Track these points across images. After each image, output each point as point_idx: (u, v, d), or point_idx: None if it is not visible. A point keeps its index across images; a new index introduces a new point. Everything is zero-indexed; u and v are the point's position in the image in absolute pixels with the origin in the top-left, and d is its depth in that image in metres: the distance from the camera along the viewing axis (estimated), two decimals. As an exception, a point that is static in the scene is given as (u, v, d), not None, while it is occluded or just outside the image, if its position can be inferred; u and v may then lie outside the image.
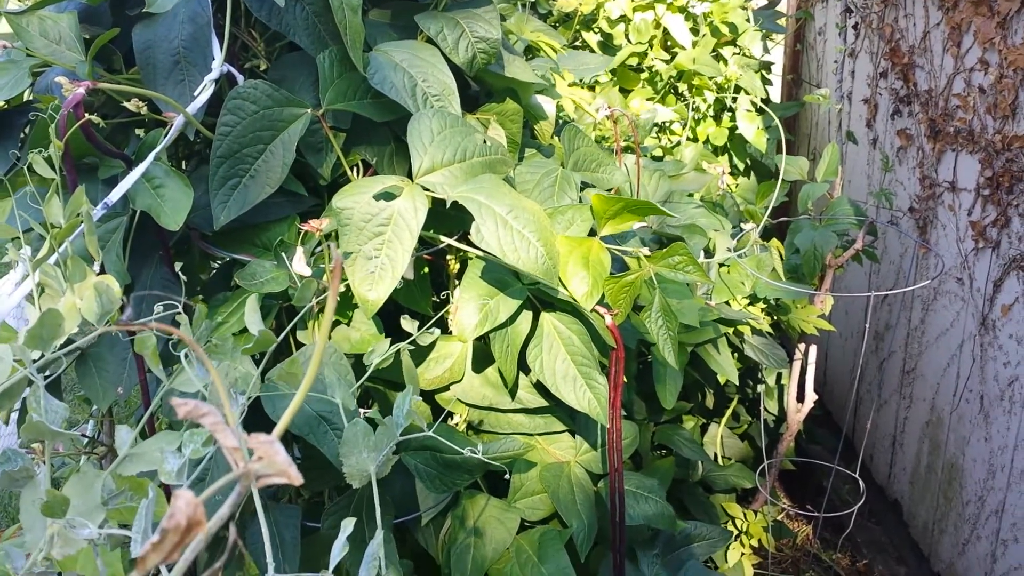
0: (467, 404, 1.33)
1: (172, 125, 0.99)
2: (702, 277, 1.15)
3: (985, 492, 1.86)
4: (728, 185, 2.22)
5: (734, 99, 2.74)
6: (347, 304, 1.14)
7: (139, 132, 1.16)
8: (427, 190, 1.04)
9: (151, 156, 0.94)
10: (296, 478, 0.32)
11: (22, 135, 1.15)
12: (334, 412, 1.01)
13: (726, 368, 1.74)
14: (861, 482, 2.05)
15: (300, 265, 0.96)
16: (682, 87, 2.72)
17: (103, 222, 1.00)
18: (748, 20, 2.68)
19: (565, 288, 1.17)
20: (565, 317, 1.20)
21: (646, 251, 1.22)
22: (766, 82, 2.79)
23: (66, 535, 0.53)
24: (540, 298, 1.22)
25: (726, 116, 2.78)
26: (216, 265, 1.25)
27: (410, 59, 1.11)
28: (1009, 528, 1.75)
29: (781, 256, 1.83)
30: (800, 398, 2.21)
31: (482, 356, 1.29)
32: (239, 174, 1.04)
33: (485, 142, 1.12)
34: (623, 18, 2.63)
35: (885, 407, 2.37)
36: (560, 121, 1.46)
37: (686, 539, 1.49)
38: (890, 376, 2.34)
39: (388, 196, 1.04)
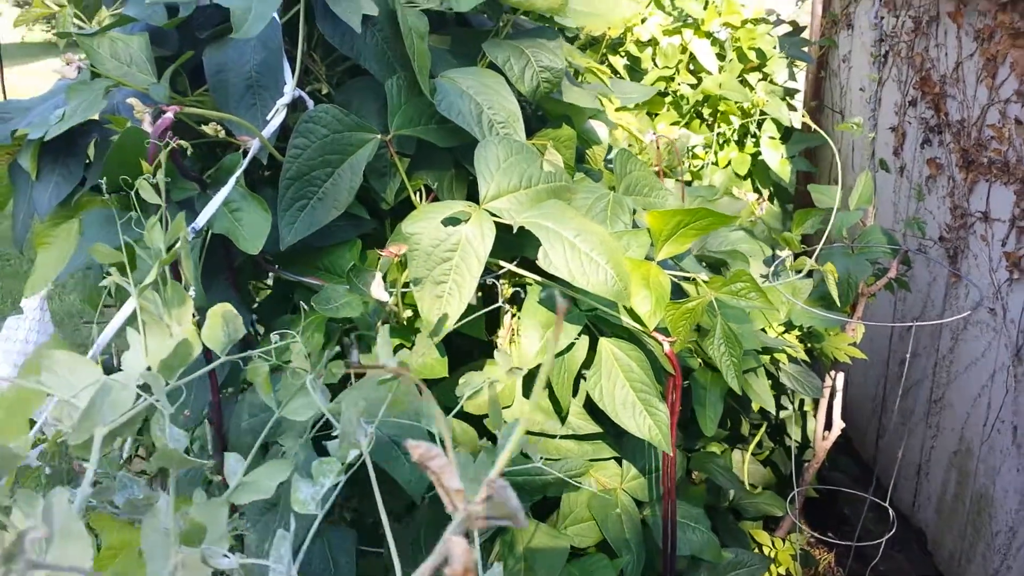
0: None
1: (249, 148, 0.99)
2: (766, 303, 1.15)
3: (1017, 523, 1.85)
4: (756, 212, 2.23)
5: (759, 125, 2.75)
6: (409, 329, 1.14)
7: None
8: (494, 216, 1.05)
9: (232, 180, 0.94)
10: (523, 522, 0.32)
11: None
12: (404, 437, 1.01)
13: (763, 396, 1.74)
14: (891, 511, 2.04)
15: (378, 290, 0.96)
16: (707, 112, 2.74)
17: (174, 244, 1.00)
18: (775, 47, 2.70)
19: (626, 311, 1.17)
20: (623, 344, 1.20)
21: (705, 276, 1.22)
22: (791, 108, 2.80)
23: (193, 563, 0.53)
24: (597, 325, 1.22)
25: (749, 142, 2.79)
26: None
27: (476, 86, 1.12)
28: (1005, 516, 1.74)
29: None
30: (828, 426, 2.21)
31: (530, 381, 1.29)
32: (307, 196, 1.05)
33: (549, 169, 1.12)
34: (651, 42, 2.65)
35: (910, 436, 2.37)
36: (608, 146, 1.46)
37: (729, 567, 1.48)
38: (916, 405, 2.34)
39: (454, 221, 1.04)
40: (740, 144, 2.81)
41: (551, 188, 1.10)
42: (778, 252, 1.88)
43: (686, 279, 1.26)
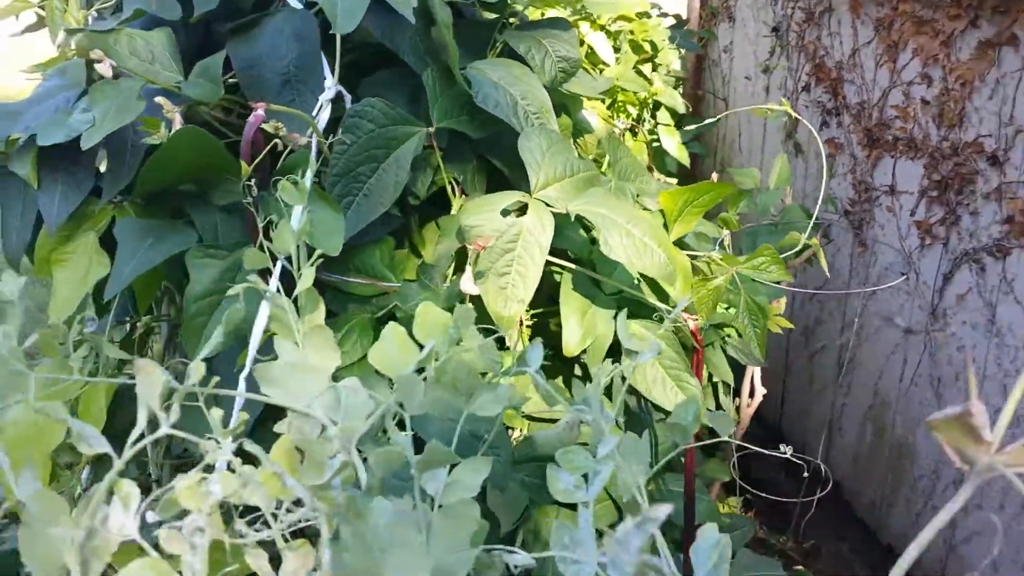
0: (530, 418, 1.33)
1: (311, 146, 0.95)
2: (786, 276, 1.22)
3: (940, 466, 2.04)
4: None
5: (653, 114, 2.86)
6: (456, 323, 1.12)
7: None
8: (547, 205, 1.05)
9: (307, 181, 0.90)
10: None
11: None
12: (484, 430, 1.00)
13: (722, 369, 1.82)
14: (823, 466, 2.19)
15: (468, 284, 0.95)
16: (606, 102, 2.82)
17: (230, 251, 0.94)
18: (666, 39, 2.81)
19: (651, 291, 1.21)
20: (650, 324, 1.23)
21: (716, 254, 1.27)
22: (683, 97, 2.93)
23: (487, 563, 0.52)
24: (622, 306, 1.24)
25: (642, 131, 2.90)
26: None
27: (507, 77, 1.12)
28: (971, 497, 1.92)
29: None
30: (751, 393, 2.34)
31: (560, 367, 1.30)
32: (352, 192, 1.01)
33: (581, 157, 1.14)
34: (554, 36, 2.70)
35: (820, 397, 2.54)
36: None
37: (727, 529, 1.55)
38: (824, 368, 2.51)
39: (504, 213, 1.04)
40: (633, 133, 2.91)
41: (589, 176, 1.12)
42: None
43: (693, 257, 1.31)
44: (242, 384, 0.75)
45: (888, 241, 2.15)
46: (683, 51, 3.03)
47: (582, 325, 1.17)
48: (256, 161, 0.85)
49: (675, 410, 0.70)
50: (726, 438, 0.71)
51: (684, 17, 3.10)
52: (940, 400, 2.02)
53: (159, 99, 0.95)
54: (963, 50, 1.81)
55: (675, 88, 2.93)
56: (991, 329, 1.83)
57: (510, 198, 1.04)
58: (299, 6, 1.04)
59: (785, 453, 1.10)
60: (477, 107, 1.10)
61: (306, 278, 0.68)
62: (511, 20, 1.23)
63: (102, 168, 1.05)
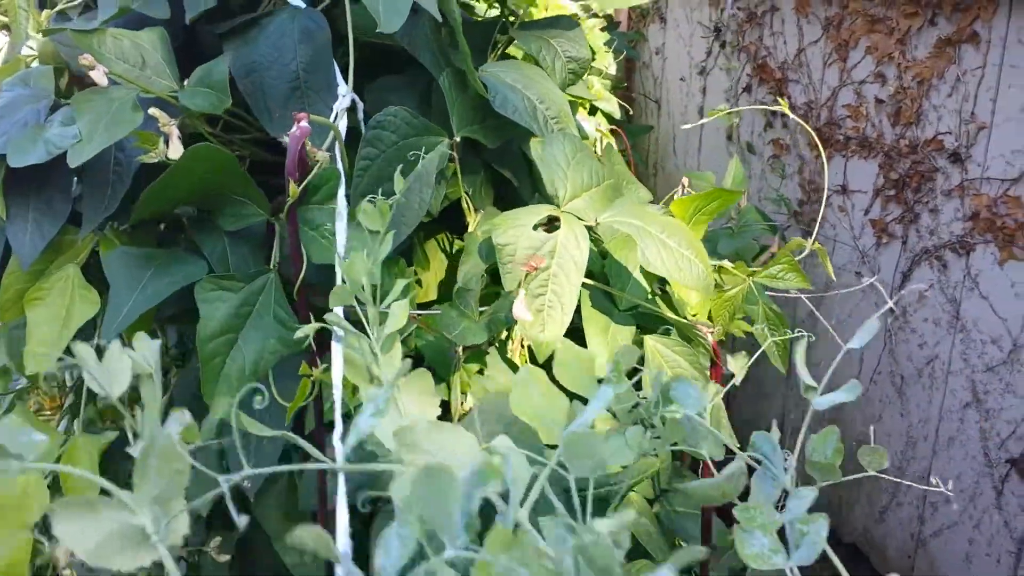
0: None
1: (335, 161, 0.84)
2: (805, 283, 1.18)
3: (904, 462, 2.06)
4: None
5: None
6: (481, 352, 1.04)
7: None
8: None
9: (341, 205, 0.79)
10: None
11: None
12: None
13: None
14: (794, 459, 2.18)
15: (521, 310, 0.86)
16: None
17: (245, 281, 0.83)
18: (604, 43, 2.77)
19: (665, 305, 1.15)
20: (668, 340, 1.17)
21: (728, 263, 1.23)
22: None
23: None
24: (639, 322, 1.18)
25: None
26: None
27: (522, 80, 1.04)
28: (930, 507, 1.95)
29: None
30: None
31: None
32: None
33: (602, 163, 1.07)
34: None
35: (768, 400, 2.55)
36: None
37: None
38: (771, 369, 2.52)
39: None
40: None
41: (614, 184, 1.05)
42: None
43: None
44: (340, 448, 0.65)
45: (841, 240, 2.16)
46: (618, 54, 3.00)
47: (607, 345, 1.10)
48: (304, 182, 0.75)
49: (815, 447, 0.64)
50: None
51: (614, 19, 3.08)
52: (902, 397, 2.04)
53: (153, 110, 0.83)
54: (919, 48, 1.83)
55: (611, 92, 2.90)
56: (955, 325, 1.85)
57: (540, 212, 0.96)
58: (302, 4, 0.93)
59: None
60: (492, 113, 1.02)
61: (397, 316, 0.59)
62: (511, 19, 1.15)
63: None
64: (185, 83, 0.87)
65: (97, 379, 0.41)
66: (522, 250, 0.94)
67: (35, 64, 0.96)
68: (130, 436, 0.90)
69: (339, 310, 0.70)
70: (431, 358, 0.99)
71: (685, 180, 1.81)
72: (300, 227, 0.85)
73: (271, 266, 0.87)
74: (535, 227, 0.96)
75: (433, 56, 0.97)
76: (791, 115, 1.27)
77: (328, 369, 0.76)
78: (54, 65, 0.96)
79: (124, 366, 0.41)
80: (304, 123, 0.74)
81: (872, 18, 1.94)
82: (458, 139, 0.98)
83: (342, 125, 0.89)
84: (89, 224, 0.87)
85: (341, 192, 0.81)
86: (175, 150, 0.85)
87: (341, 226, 0.79)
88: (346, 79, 0.91)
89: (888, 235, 2.00)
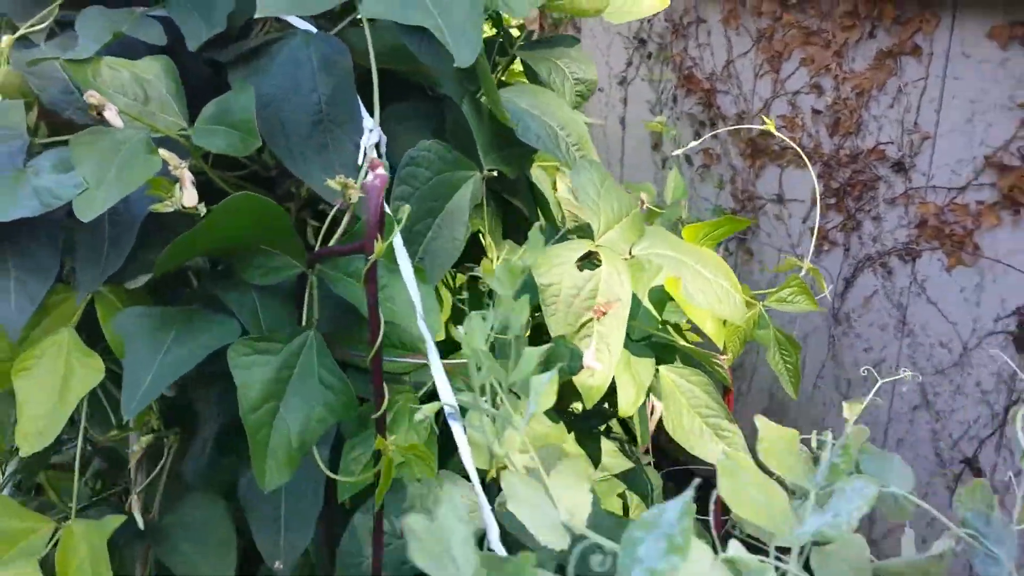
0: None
1: (392, 211, 0.76)
2: (814, 305, 1.16)
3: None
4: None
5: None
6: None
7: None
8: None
9: (402, 256, 0.71)
10: None
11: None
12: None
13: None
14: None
15: (591, 358, 0.80)
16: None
17: (283, 342, 0.73)
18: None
19: (677, 333, 1.11)
20: (683, 369, 1.14)
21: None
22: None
23: None
24: (654, 352, 1.14)
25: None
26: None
27: (539, 105, 0.98)
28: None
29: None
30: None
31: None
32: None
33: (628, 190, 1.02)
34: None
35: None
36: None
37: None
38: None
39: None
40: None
41: (638, 213, 1.00)
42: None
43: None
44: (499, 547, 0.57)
45: (779, 247, 2.19)
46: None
47: (632, 380, 1.05)
48: (387, 243, 0.66)
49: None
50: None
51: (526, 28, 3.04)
52: (848, 401, 2.07)
53: (163, 152, 0.72)
54: (858, 60, 1.87)
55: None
56: (902, 329, 1.90)
57: (578, 247, 0.91)
58: (311, 28, 0.84)
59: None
60: (511, 142, 0.96)
61: (544, 390, 0.52)
62: (512, 39, 1.09)
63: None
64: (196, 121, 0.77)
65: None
66: (567, 290, 0.88)
67: (-2, 97, 0.83)
68: (138, 518, 0.78)
69: (443, 380, 0.63)
70: (347, 410, 0.92)
71: (644, 196, 1.77)
72: (337, 278, 0.76)
73: (303, 323, 0.78)
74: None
75: (456, 81, 0.90)
76: (777, 134, 1.25)
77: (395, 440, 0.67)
78: (20, 99, 0.83)
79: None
80: (381, 170, 0.65)
81: (807, 30, 1.97)
82: (486, 172, 0.91)
83: (368, 164, 0.81)
84: (88, 286, 0.75)
85: (399, 242, 0.72)
86: (190, 197, 0.75)
87: (410, 278, 0.71)
88: (371, 111, 0.82)
89: (829, 242, 2.04)
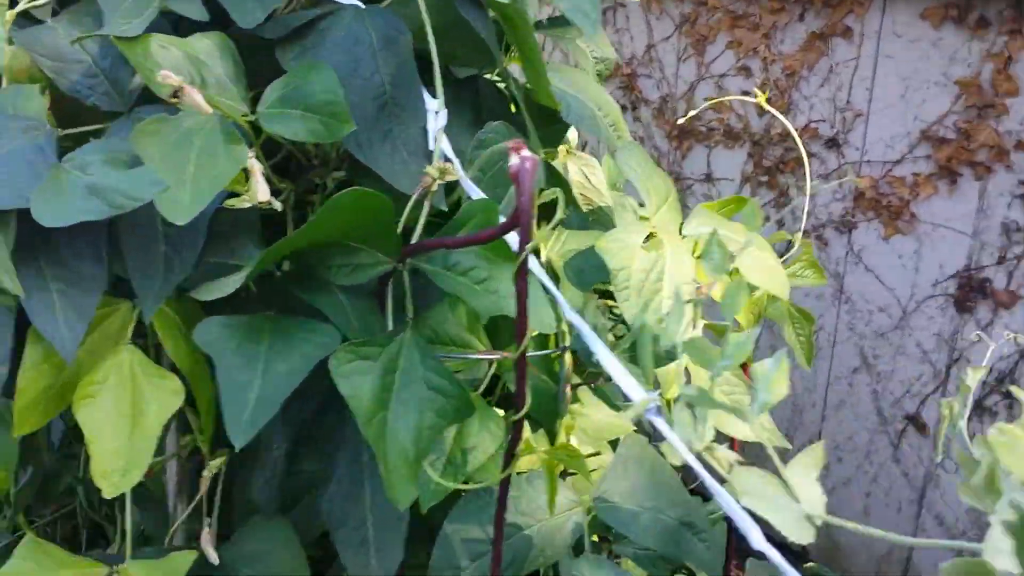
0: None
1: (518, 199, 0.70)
2: (822, 279, 1.18)
3: (792, 430, 2.17)
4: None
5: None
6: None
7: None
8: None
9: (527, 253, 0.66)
10: None
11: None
12: (694, 514, 0.83)
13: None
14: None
15: None
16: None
17: (382, 346, 0.67)
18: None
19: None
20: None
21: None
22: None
23: None
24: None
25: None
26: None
27: (575, 85, 0.94)
28: (832, 452, 2.08)
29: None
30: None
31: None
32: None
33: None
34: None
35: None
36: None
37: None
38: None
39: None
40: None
41: (675, 194, 0.98)
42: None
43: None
44: None
45: (708, 228, 2.24)
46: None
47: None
48: (530, 229, 0.60)
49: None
50: None
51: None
52: (803, 417, 2.14)
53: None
54: (787, 42, 1.92)
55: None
56: (839, 297, 1.97)
57: (639, 228, 0.88)
58: (358, 3, 0.77)
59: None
60: (545, 123, 0.92)
61: (775, 386, 0.49)
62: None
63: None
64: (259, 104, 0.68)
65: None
66: (636, 273, 0.85)
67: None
68: (210, 553, 0.70)
69: (622, 372, 0.58)
70: (461, 413, 0.87)
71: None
72: (436, 272, 0.70)
73: (390, 323, 0.71)
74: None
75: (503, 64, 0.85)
76: (769, 109, 1.27)
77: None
78: (28, 83, 0.72)
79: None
80: (526, 152, 0.60)
81: (733, 14, 2.01)
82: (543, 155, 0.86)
83: (442, 148, 0.75)
84: (152, 300, 0.65)
85: (513, 239, 0.67)
86: (263, 191, 0.67)
87: (540, 273, 0.66)
88: (432, 93, 0.76)
89: (763, 219, 2.09)
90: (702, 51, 2.13)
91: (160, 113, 0.70)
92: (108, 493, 0.64)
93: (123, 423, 0.65)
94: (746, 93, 2.05)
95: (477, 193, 0.72)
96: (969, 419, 1.72)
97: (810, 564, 1.70)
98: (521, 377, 0.64)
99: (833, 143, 1.89)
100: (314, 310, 0.70)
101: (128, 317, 0.70)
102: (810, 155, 1.95)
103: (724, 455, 0.55)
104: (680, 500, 0.84)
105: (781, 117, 1.21)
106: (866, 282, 1.91)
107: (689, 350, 0.51)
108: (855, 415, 2.01)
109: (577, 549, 0.81)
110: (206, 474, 0.73)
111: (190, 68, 0.67)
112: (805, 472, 0.51)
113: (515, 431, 0.66)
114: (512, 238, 0.68)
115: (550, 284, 0.65)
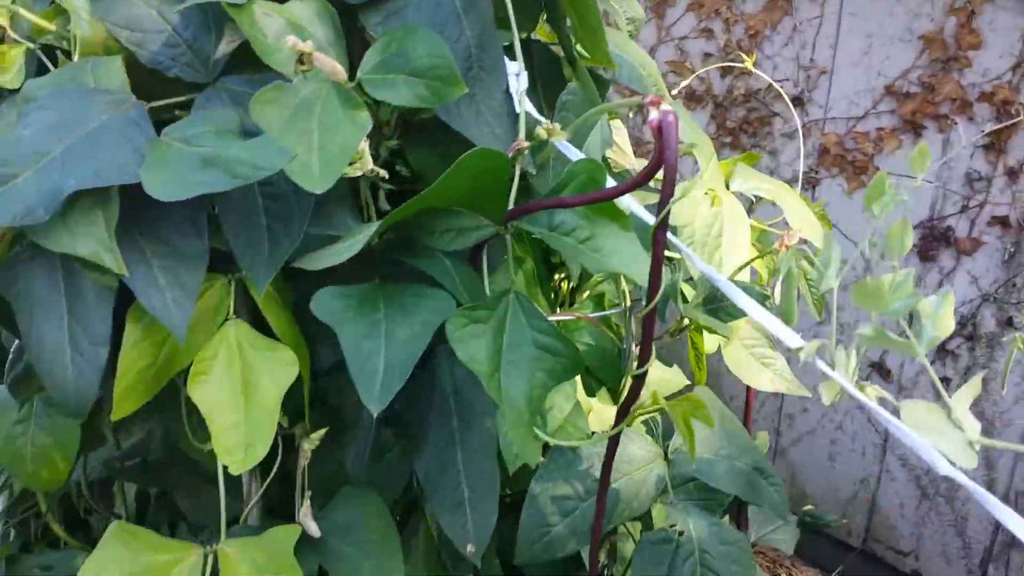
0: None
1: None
2: (828, 227, 1.23)
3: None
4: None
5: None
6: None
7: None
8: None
9: (633, 204, 0.67)
10: None
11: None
12: (762, 461, 0.86)
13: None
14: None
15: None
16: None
17: (491, 309, 0.67)
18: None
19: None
20: (728, 303, 1.16)
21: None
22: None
23: None
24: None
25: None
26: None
27: (619, 46, 0.95)
28: (797, 403, 2.16)
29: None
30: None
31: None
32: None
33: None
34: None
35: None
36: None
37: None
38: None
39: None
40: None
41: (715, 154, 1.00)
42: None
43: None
44: None
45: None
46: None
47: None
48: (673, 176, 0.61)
49: None
50: None
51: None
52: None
53: (341, 108, 0.63)
54: (748, 3, 1.96)
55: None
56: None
57: (697, 185, 0.90)
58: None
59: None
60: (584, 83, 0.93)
61: (942, 316, 0.51)
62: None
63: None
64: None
65: None
66: (700, 229, 0.87)
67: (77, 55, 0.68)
68: (310, 526, 0.70)
69: (783, 330, 0.60)
70: (595, 363, 0.89)
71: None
72: (543, 234, 0.70)
73: (486, 286, 0.72)
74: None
75: (563, 27, 0.85)
76: (754, 71, 1.30)
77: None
78: (104, 54, 0.69)
79: None
80: (666, 106, 0.60)
81: (696, -26, 2.04)
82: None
83: (527, 110, 0.75)
84: (263, 273, 0.64)
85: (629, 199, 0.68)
86: (369, 159, 0.67)
87: (641, 211, 0.67)
88: (511, 55, 0.76)
89: (724, 179, 2.14)
90: (662, 14, 2.15)
91: (246, 83, 0.69)
92: (234, 470, 0.63)
93: (236, 397, 0.64)
94: (709, 55, 2.09)
95: (575, 153, 0.73)
96: (932, 362, 1.81)
97: (808, 508, 1.77)
98: (648, 333, 0.65)
99: (797, 101, 1.94)
100: (413, 278, 0.70)
101: (225, 292, 0.68)
102: (773, 115, 2.00)
103: (873, 390, 0.58)
104: (749, 447, 0.87)
105: (775, 84, 1.24)
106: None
107: (858, 293, 0.53)
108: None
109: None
110: (306, 447, 0.72)
111: (291, 34, 0.66)
112: (965, 402, 0.54)
113: (635, 385, 0.68)
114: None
115: (676, 241, 0.66)
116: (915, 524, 1.97)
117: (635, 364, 0.90)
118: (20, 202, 0.58)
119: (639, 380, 0.68)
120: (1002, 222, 1.70)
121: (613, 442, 0.72)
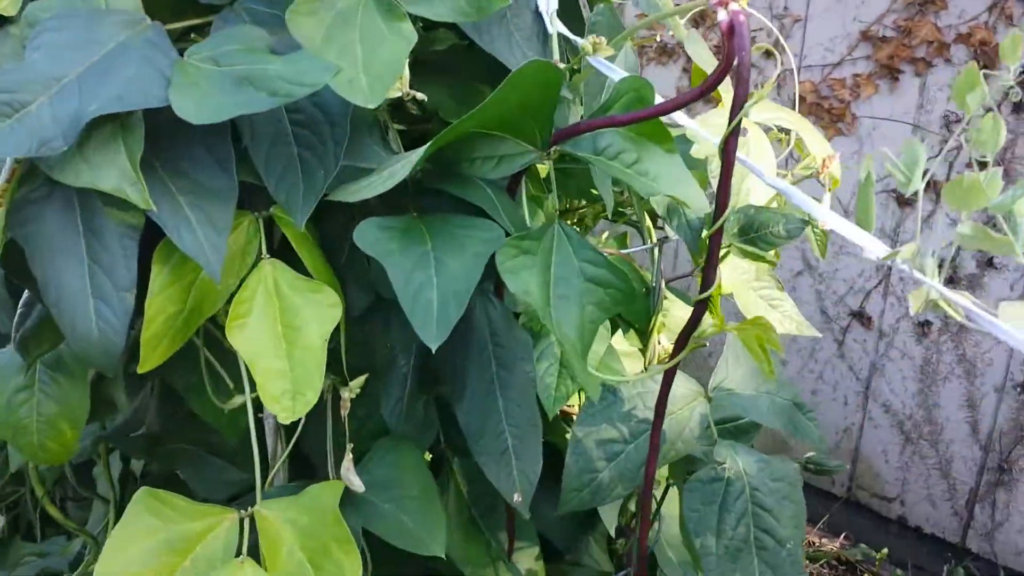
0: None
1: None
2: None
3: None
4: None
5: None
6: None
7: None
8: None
9: (685, 118, 0.63)
10: None
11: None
12: (798, 397, 0.84)
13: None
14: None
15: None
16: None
17: (538, 239, 0.63)
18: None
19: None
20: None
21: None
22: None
23: None
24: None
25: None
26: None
27: None
28: (774, 355, 2.17)
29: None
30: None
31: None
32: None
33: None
34: None
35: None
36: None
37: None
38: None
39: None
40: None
41: (727, 85, 0.98)
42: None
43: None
44: None
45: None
46: None
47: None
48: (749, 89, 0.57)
49: None
50: None
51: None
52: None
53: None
54: (719, -47, 1.94)
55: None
56: (780, 204, 2.04)
57: (718, 118, 0.87)
58: None
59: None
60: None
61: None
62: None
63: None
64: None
65: None
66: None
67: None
68: (354, 481, 0.67)
69: (867, 239, 0.57)
70: (620, 303, 0.86)
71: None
72: (588, 158, 0.67)
73: (527, 217, 0.68)
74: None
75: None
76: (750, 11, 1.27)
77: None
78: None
79: None
80: (735, 5, 0.57)
81: (664, -75, 2.01)
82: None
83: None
84: (301, 208, 0.59)
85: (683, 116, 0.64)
86: (407, 77, 0.62)
87: (696, 133, 0.63)
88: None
89: (698, 133, 2.13)
90: (629, -33, 2.11)
91: (267, 3, 0.64)
92: (284, 418, 0.58)
93: (278, 341, 0.59)
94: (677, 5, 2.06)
95: (617, 72, 0.69)
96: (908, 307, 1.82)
97: (811, 455, 1.77)
98: (714, 256, 0.62)
99: (769, 53, 1.93)
100: (448, 210, 0.66)
101: (254, 230, 0.63)
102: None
103: (958, 297, 0.56)
104: (784, 383, 0.85)
105: (778, 34, 1.22)
106: (807, 185, 1.98)
107: (951, 192, 0.51)
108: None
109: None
110: (346, 395, 0.68)
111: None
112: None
113: (697, 311, 0.65)
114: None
115: (742, 157, 0.63)
116: (899, 469, 1.99)
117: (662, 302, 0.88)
118: (34, 132, 0.52)
119: (701, 304, 0.65)
120: (980, 164, 1.70)
121: (670, 374, 0.69)
